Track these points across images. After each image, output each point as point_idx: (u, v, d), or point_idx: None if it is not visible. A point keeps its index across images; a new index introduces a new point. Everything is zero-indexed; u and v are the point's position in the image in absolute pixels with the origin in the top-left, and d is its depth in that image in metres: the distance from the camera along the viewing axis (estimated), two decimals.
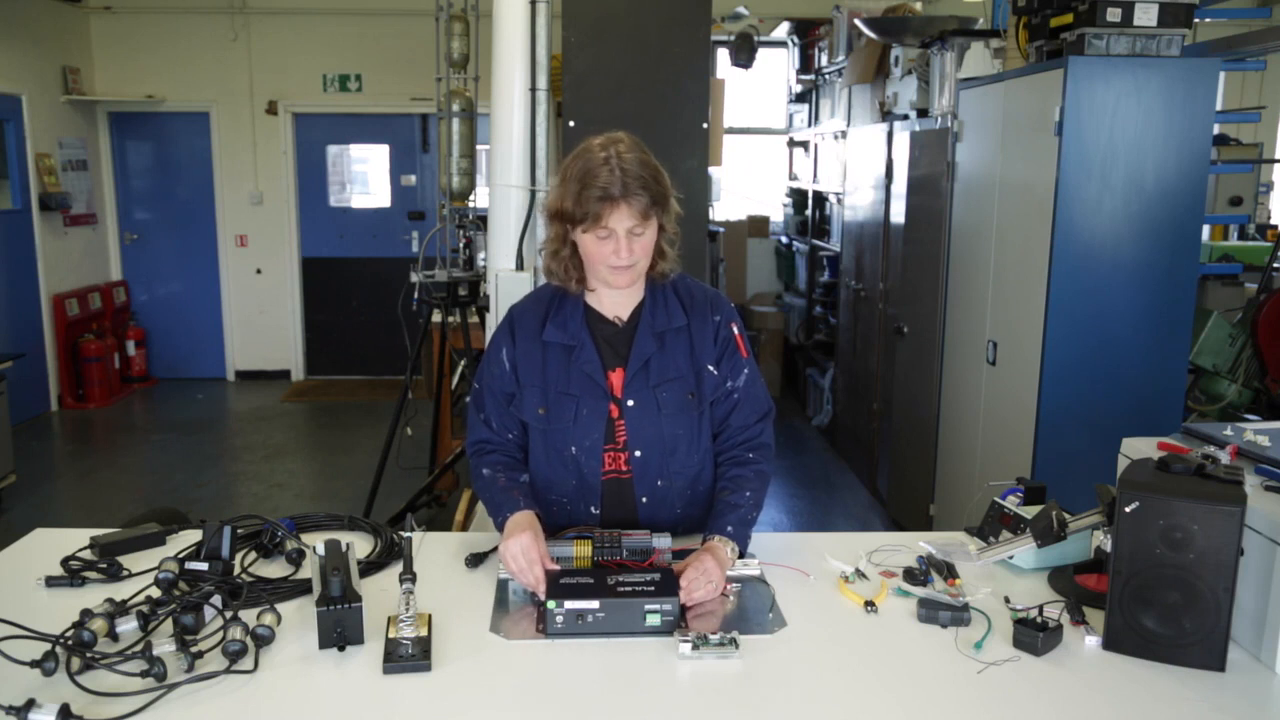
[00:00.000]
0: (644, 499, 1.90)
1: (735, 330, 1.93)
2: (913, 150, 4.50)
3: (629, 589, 1.58)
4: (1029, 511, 1.82)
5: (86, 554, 1.82)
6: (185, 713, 1.33)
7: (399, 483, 4.62)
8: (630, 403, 1.86)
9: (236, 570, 1.76)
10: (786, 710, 1.37)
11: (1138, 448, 1.83)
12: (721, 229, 7.42)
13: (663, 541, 1.81)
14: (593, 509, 1.90)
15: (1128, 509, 1.48)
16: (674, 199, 1.84)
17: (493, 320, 3.35)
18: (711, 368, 1.89)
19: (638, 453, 1.87)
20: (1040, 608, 1.56)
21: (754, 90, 8.05)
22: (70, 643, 1.42)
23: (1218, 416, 3.91)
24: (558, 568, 1.69)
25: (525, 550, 1.68)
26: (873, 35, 4.99)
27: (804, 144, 7.53)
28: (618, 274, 1.80)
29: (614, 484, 1.90)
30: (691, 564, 1.69)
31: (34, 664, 1.38)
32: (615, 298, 1.89)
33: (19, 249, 6.76)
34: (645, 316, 1.89)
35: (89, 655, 1.41)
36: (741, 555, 1.82)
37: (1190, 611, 1.46)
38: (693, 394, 1.88)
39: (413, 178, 8.00)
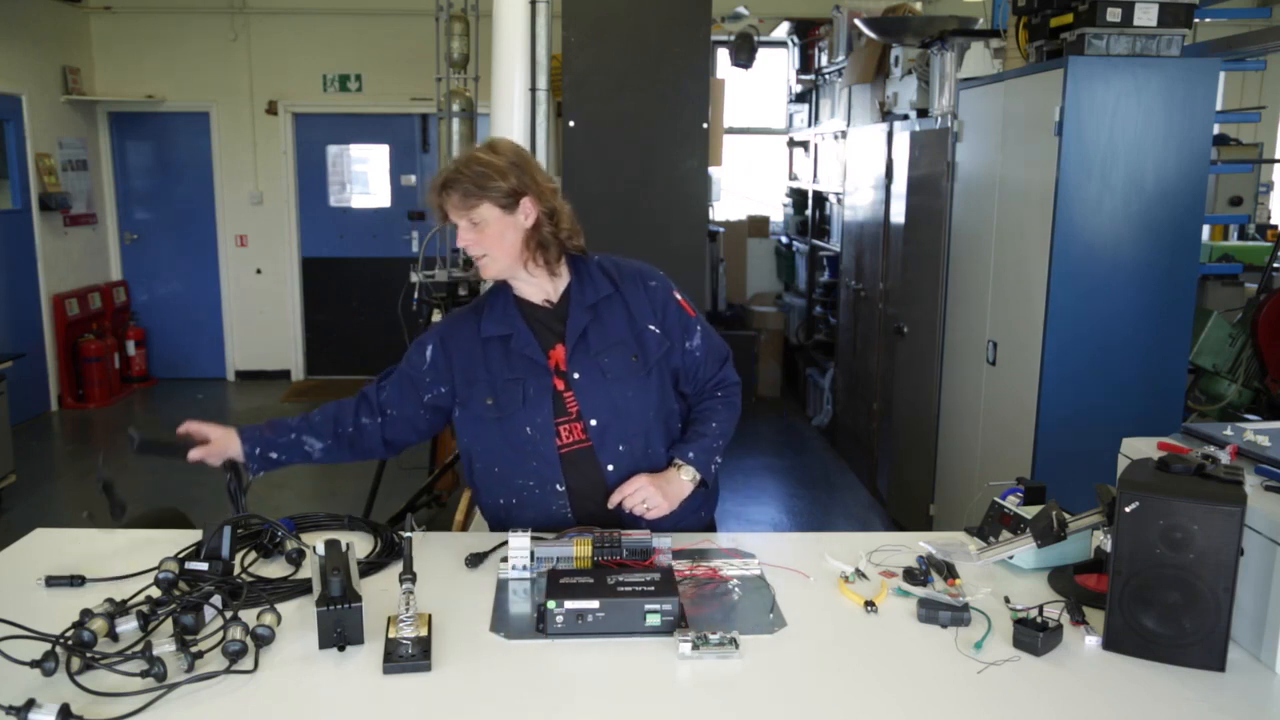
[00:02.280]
0: (610, 467, 1.94)
1: (677, 296, 2.04)
2: (913, 150, 4.50)
3: (629, 589, 1.57)
4: (1029, 511, 1.82)
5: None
6: (185, 713, 1.33)
7: (399, 483, 4.62)
8: (576, 375, 1.93)
9: (236, 570, 1.76)
10: (786, 710, 1.37)
11: (1138, 448, 1.82)
12: (721, 229, 7.43)
13: (663, 541, 1.81)
14: (558, 486, 1.94)
15: (1128, 509, 1.48)
16: (537, 199, 1.89)
17: None
18: (653, 327, 1.98)
19: (593, 421, 1.93)
20: (1040, 608, 1.56)
21: (754, 90, 8.05)
22: (70, 643, 1.42)
23: (1218, 416, 3.91)
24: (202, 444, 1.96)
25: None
26: (873, 35, 4.99)
27: (804, 144, 7.53)
28: (479, 264, 1.93)
29: (575, 455, 1.94)
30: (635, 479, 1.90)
31: (34, 664, 1.38)
32: (538, 283, 1.98)
33: (19, 249, 6.76)
34: (574, 293, 1.98)
35: (89, 655, 1.41)
36: (705, 482, 1.97)
37: (1190, 611, 1.46)
38: (636, 356, 1.96)
39: (413, 178, 8.00)
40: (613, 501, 1.90)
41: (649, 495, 1.89)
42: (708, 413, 2.03)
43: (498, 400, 1.94)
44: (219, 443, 2.00)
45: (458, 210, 1.88)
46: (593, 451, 1.94)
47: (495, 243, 1.89)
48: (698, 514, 2.06)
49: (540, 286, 1.98)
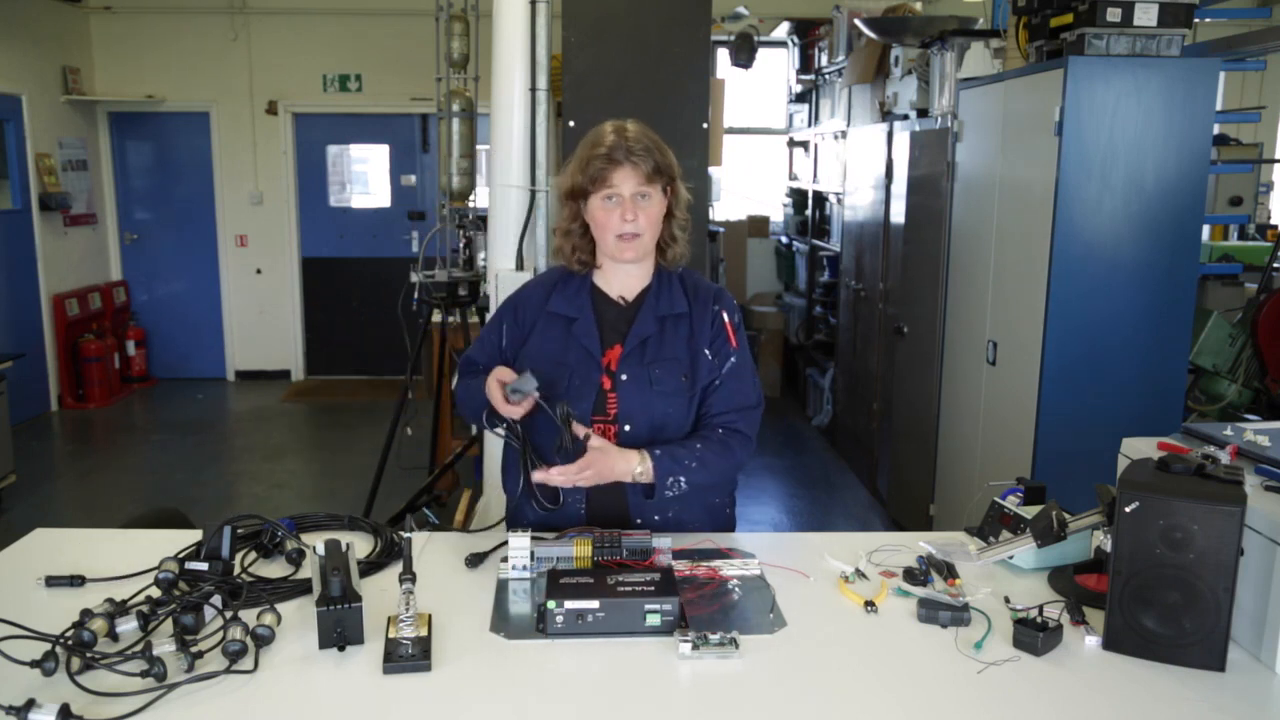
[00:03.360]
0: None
1: (726, 318, 1.98)
2: (913, 150, 4.50)
3: (629, 589, 1.57)
4: (1029, 511, 1.82)
5: None
6: (185, 713, 1.33)
7: (399, 483, 4.62)
8: (624, 377, 1.91)
9: (236, 570, 1.76)
10: (786, 710, 1.37)
11: (1138, 448, 1.82)
12: (721, 229, 7.42)
13: (663, 542, 1.81)
14: (579, 506, 1.92)
15: (1128, 509, 1.48)
16: (683, 185, 1.95)
17: None
18: (707, 352, 1.95)
19: (627, 427, 1.91)
20: (1040, 608, 1.56)
21: (754, 90, 8.05)
22: (70, 643, 1.42)
23: (1218, 416, 3.91)
24: (510, 382, 1.79)
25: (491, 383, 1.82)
26: (873, 35, 4.99)
27: (804, 144, 7.53)
28: (624, 244, 1.88)
29: None
30: (589, 456, 1.77)
31: (34, 664, 1.38)
32: (622, 278, 1.96)
33: (19, 249, 6.76)
34: (650, 299, 1.95)
35: (89, 655, 1.41)
36: (651, 491, 1.84)
37: (1190, 611, 1.46)
38: (686, 376, 1.92)
39: (413, 178, 8.00)
40: (565, 477, 1.78)
41: (592, 477, 1.79)
42: (694, 436, 1.91)
43: (543, 380, 1.91)
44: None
45: (639, 182, 1.84)
46: None
47: (653, 222, 1.88)
48: (718, 520, 2.05)
49: (626, 281, 1.96)
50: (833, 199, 6.60)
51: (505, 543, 1.79)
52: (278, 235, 7.94)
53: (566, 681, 1.44)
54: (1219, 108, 3.38)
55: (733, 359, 1.96)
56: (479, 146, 5.01)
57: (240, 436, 6.63)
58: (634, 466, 1.81)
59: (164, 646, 1.43)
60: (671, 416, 1.92)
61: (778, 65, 7.99)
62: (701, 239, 3.65)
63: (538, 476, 1.79)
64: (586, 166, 1.86)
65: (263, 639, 1.48)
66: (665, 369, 1.91)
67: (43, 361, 6.94)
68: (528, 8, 3.26)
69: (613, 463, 1.80)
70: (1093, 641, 1.54)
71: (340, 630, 1.49)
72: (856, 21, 5.12)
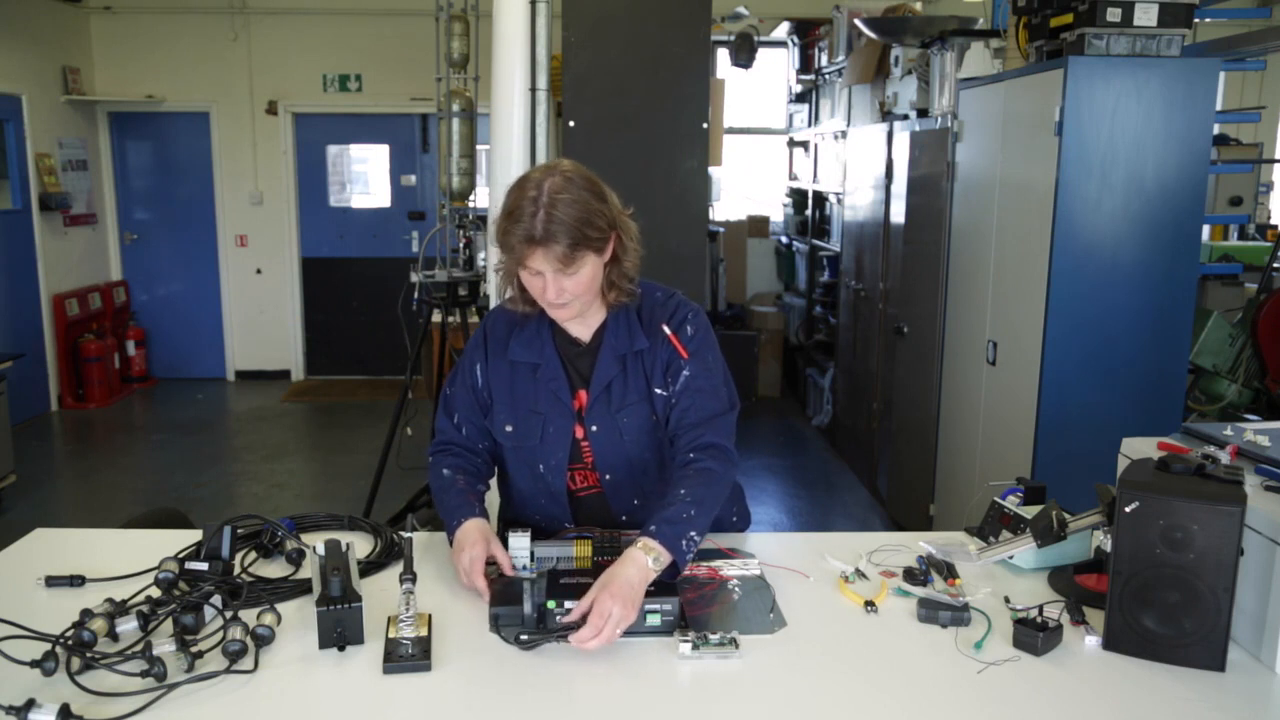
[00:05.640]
0: (623, 518, 1.89)
1: (670, 332, 1.82)
2: (913, 150, 4.50)
3: None
4: (1029, 511, 1.82)
5: None
6: (185, 713, 1.33)
7: (399, 483, 4.62)
8: (594, 428, 1.83)
9: (236, 570, 1.76)
10: (786, 710, 1.37)
11: (1138, 448, 1.82)
12: (721, 229, 7.43)
13: None
14: (567, 524, 1.90)
15: (1128, 509, 1.48)
16: (621, 234, 1.76)
17: None
18: (659, 390, 1.83)
19: (608, 476, 1.86)
20: (1040, 608, 1.56)
21: (754, 90, 8.05)
22: (70, 643, 1.42)
23: (1218, 416, 3.91)
24: (509, 575, 1.68)
25: (468, 567, 1.68)
26: (873, 35, 4.99)
27: (804, 144, 7.53)
28: (557, 311, 1.77)
29: (588, 499, 1.89)
30: (594, 602, 1.52)
31: (34, 664, 1.38)
32: (585, 318, 1.84)
33: (19, 249, 6.76)
34: (608, 339, 1.83)
35: (89, 655, 1.41)
36: (675, 555, 1.62)
37: (1190, 611, 1.46)
38: (655, 415, 1.84)
39: (413, 178, 8.00)
40: (599, 639, 1.51)
41: (621, 618, 1.51)
42: (676, 482, 1.74)
43: (517, 429, 1.85)
44: (488, 547, 1.73)
45: (559, 260, 1.65)
46: (606, 498, 1.88)
47: (587, 287, 1.72)
48: (730, 519, 2.03)
49: (582, 321, 1.83)
50: (833, 199, 6.60)
51: (505, 543, 1.79)
52: (278, 235, 7.94)
53: (566, 681, 1.44)
54: (1219, 108, 3.37)
55: (686, 372, 1.81)
56: (479, 146, 5.02)
57: (240, 436, 6.63)
58: (646, 562, 1.58)
59: (164, 646, 1.43)
60: (649, 461, 1.86)
61: (778, 65, 7.99)
62: (701, 239, 3.64)
63: (574, 644, 1.51)
64: (505, 239, 1.68)
65: (263, 639, 1.48)
66: (632, 414, 1.82)
67: (43, 361, 6.94)
68: (528, 8, 3.26)
69: (624, 577, 1.54)
70: (1093, 641, 1.54)
71: (340, 630, 1.49)
72: (856, 21, 5.12)
